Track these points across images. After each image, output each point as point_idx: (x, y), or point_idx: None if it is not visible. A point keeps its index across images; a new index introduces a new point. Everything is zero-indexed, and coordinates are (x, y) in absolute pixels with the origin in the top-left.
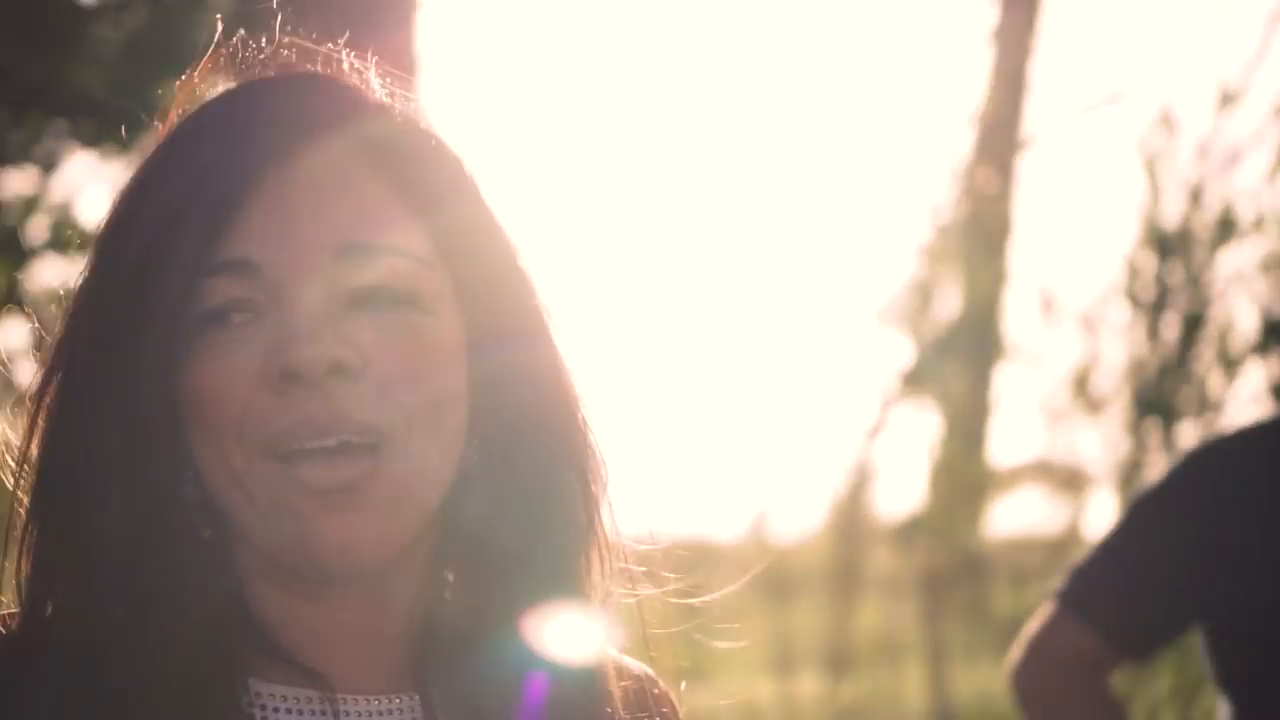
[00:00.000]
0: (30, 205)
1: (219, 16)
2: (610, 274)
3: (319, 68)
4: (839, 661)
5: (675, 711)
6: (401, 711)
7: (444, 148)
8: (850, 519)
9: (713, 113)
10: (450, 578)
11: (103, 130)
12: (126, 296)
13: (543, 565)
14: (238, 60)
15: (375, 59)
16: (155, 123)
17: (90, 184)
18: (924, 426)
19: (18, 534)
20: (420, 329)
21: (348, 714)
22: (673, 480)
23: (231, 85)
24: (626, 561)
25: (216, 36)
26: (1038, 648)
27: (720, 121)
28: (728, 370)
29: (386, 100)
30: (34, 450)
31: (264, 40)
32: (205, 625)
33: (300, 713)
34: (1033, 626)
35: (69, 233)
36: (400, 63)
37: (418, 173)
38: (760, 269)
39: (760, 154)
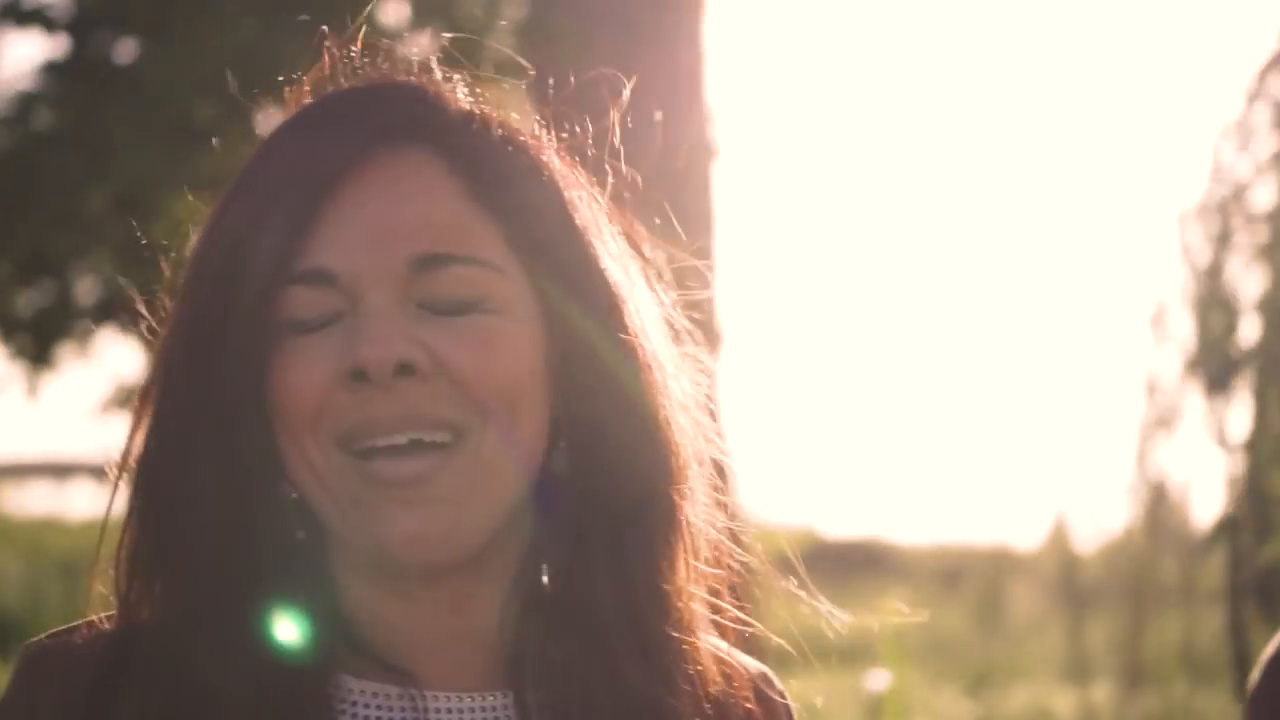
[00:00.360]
0: None
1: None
2: (905, 281)
3: (407, 76)
4: (1136, 672)
5: (789, 711)
6: (494, 710)
7: (525, 154)
8: (1152, 526)
9: (1011, 111)
10: (545, 580)
11: None
12: (213, 305)
13: (632, 569)
14: (336, 71)
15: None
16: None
17: None
18: (1231, 430)
19: (120, 540)
20: (492, 330)
21: (437, 710)
22: (973, 488)
23: (336, 92)
24: (733, 558)
25: (324, 46)
26: (1274, 670)
27: (1018, 120)
28: (1027, 377)
29: (469, 107)
30: (134, 456)
31: (361, 51)
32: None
33: (390, 709)
34: (1271, 648)
35: None
36: (689, 78)
37: (494, 179)
38: (1059, 273)
39: (1049, 150)
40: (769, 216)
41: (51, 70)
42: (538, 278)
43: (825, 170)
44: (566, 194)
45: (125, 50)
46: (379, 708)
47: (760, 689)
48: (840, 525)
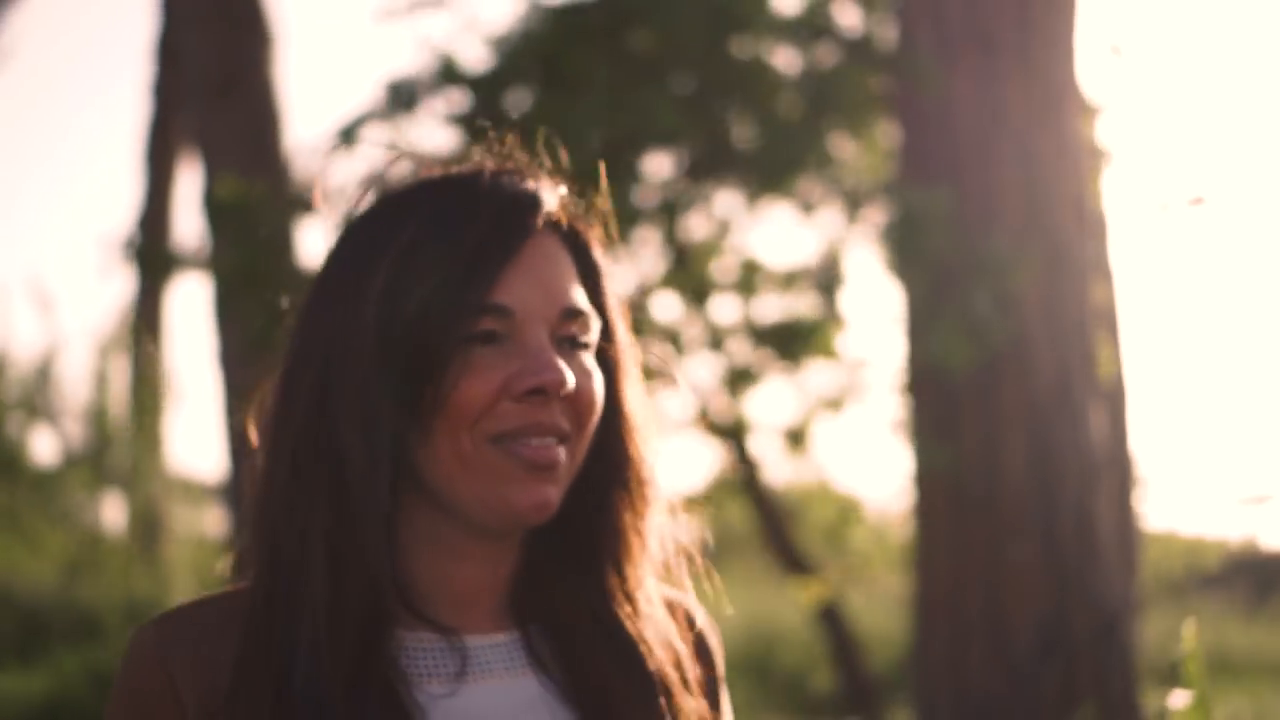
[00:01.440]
0: (711, 249)
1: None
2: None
3: (531, 170)
4: None
5: (718, 642)
6: (508, 645)
7: (594, 249)
8: None
9: None
10: (536, 546)
11: (766, 181)
12: (415, 318)
13: (605, 541)
14: (488, 151)
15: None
16: None
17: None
18: None
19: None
20: (590, 365)
21: (468, 648)
22: None
23: (482, 173)
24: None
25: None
26: None
27: None
28: None
29: (578, 216)
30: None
31: (502, 143)
32: (370, 587)
33: (433, 651)
34: None
35: (754, 272)
36: (1060, 95)
37: (586, 266)
38: None
39: None
40: (1161, 219)
41: (458, 121)
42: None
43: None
44: (609, 277)
45: (517, 103)
46: (424, 650)
47: (690, 617)
48: None
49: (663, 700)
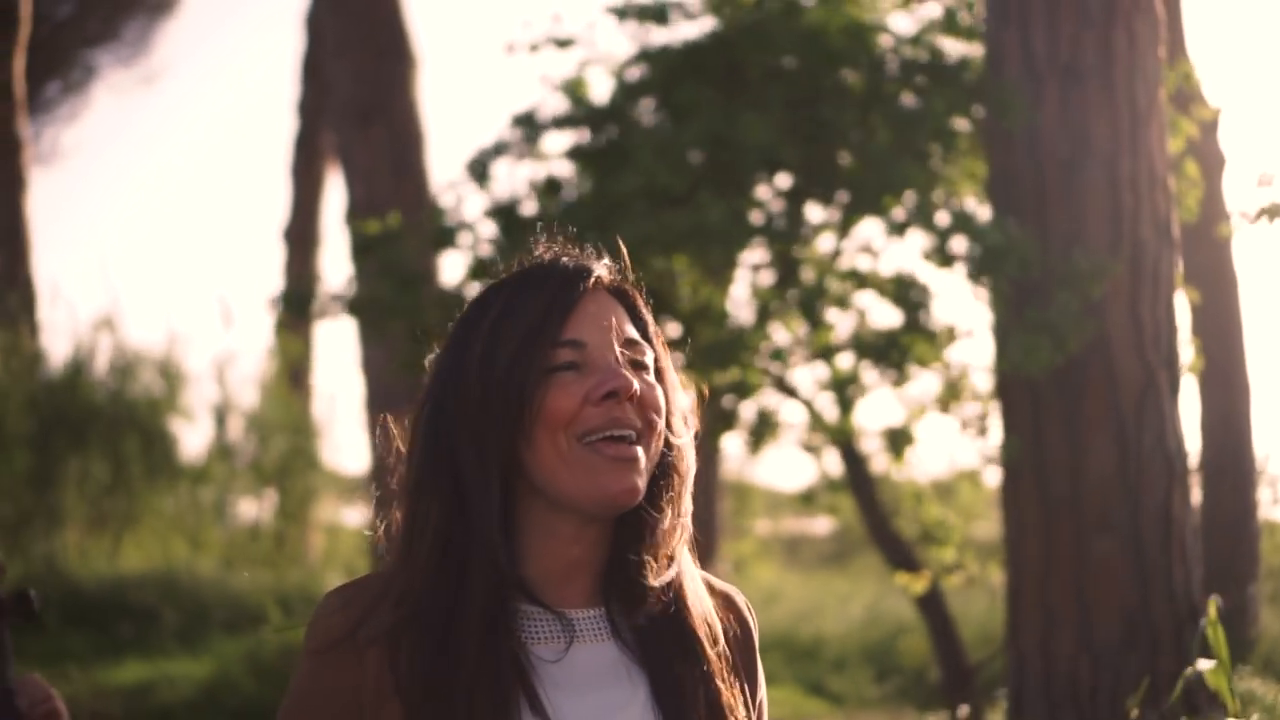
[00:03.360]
0: (826, 267)
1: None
2: None
3: (584, 254)
4: None
5: (753, 619)
6: (596, 617)
7: (639, 303)
8: None
9: None
10: (618, 536)
11: (859, 203)
12: (510, 351)
13: (663, 528)
14: (554, 245)
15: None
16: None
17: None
18: None
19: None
20: (651, 380)
21: (569, 619)
22: None
23: (549, 259)
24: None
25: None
26: None
27: None
28: None
29: (611, 265)
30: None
31: (564, 242)
32: (496, 571)
33: (542, 620)
34: None
35: (876, 284)
36: (1145, 117)
37: (632, 304)
38: None
39: None
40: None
41: (575, 154)
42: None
43: None
44: (651, 322)
45: (629, 135)
46: (536, 620)
47: (730, 599)
48: None
49: (707, 665)
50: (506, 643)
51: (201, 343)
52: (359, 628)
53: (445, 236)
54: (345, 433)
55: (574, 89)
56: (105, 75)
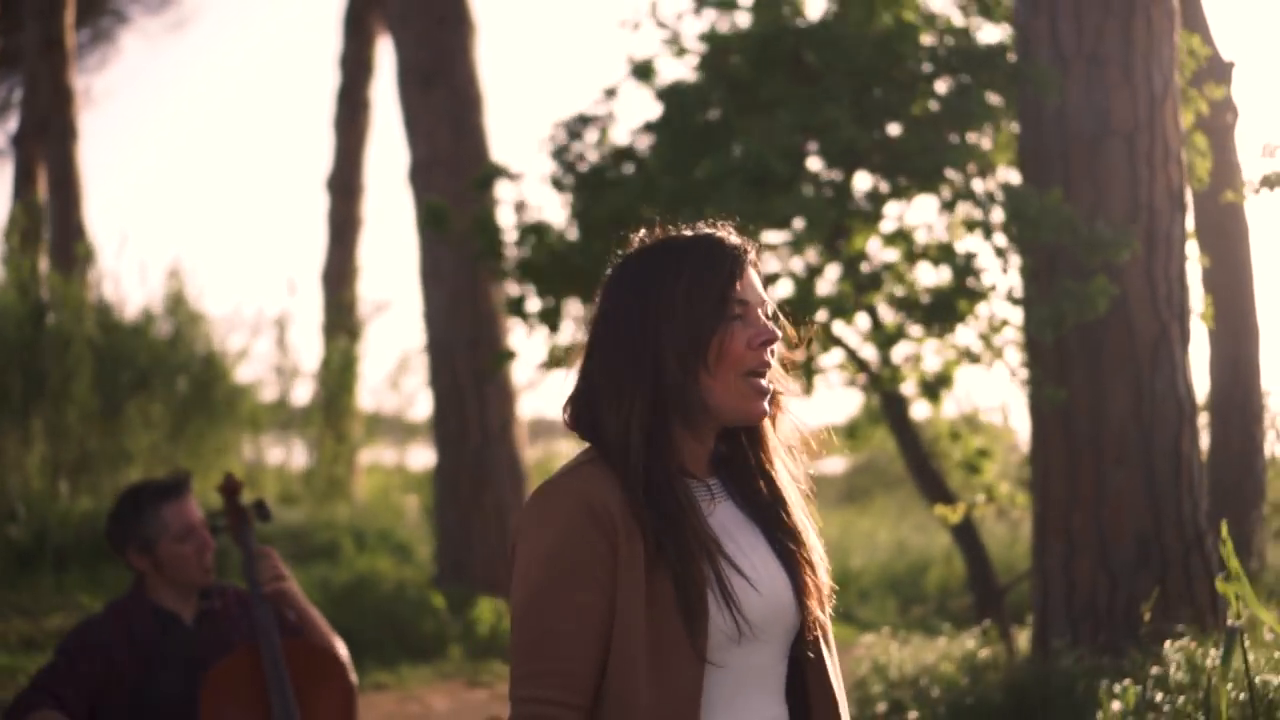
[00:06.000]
0: (894, 240)
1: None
2: None
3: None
4: None
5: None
6: (717, 485)
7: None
8: None
9: None
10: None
11: (913, 182)
12: (706, 305)
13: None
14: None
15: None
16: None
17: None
18: None
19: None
20: (776, 330)
21: (707, 485)
22: None
23: (711, 233)
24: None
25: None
26: None
27: None
28: None
29: (749, 242)
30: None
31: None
32: (667, 454)
33: (692, 483)
34: None
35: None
36: (1160, 96)
37: (760, 276)
38: None
39: None
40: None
41: (652, 127)
42: None
43: None
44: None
45: (713, 114)
46: (690, 483)
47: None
48: None
49: (793, 517)
50: (683, 495)
51: (253, 297)
52: (604, 494)
53: (492, 172)
54: (380, 380)
55: (643, 72)
56: (134, 22)
